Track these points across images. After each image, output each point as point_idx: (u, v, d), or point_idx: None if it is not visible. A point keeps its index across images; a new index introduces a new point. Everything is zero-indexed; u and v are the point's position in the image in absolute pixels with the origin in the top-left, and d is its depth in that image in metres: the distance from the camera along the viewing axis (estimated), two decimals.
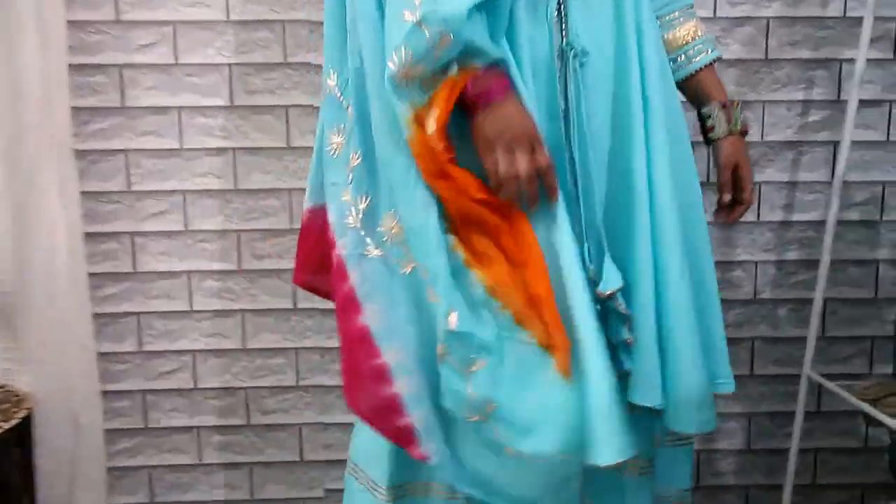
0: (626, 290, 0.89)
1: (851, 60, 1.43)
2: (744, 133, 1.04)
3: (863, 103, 1.39)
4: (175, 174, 1.41)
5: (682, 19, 1.03)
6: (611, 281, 0.88)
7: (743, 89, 1.45)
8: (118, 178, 1.40)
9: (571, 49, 0.88)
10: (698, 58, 1.02)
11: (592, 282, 0.88)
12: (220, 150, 1.40)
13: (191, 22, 1.37)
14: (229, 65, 1.39)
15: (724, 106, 1.02)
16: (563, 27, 0.89)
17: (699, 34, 1.03)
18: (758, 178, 1.47)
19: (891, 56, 1.45)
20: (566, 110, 0.89)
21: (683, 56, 1.02)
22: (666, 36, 1.01)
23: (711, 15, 1.43)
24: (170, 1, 1.36)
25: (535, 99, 0.86)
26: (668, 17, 1.02)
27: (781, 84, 1.46)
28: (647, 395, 0.90)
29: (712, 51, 1.03)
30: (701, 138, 1.07)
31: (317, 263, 0.98)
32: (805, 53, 1.45)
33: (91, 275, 1.38)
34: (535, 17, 0.88)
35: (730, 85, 1.44)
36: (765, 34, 1.44)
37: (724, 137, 1.02)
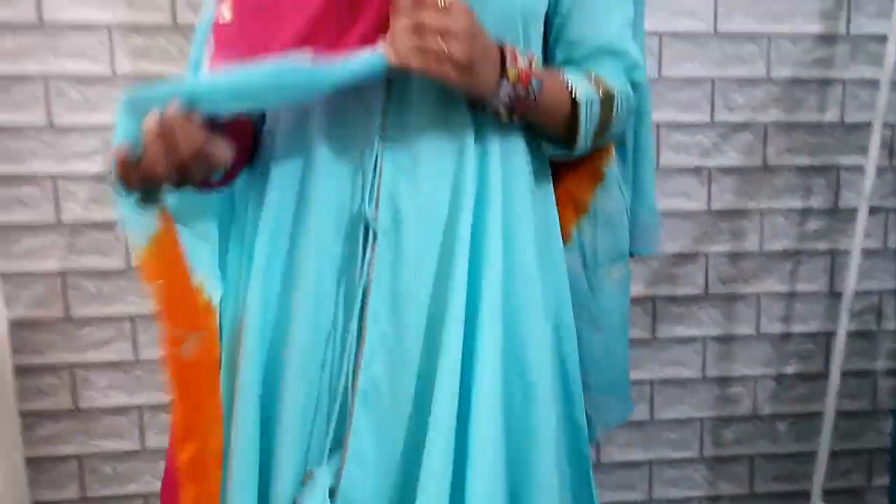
0: None
1: (850, 168, 1.38)
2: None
3: (872, 212, 1.33)
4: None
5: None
6: None
7: (741, 198, 1.38)
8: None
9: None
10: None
11: None
12: None
13: None
14: None
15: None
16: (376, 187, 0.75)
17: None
18: (756, 289, 1.40)
19: (887, 164, 1.40)
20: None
21: None
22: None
23: (708, 120, 1.35)
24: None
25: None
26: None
27: (779, 192, 1.38)
28: None
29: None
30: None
31: None
32: (803, 160, 1.38)
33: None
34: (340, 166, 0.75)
35: (728, 193, 1.38)
36: (763, 141, 1.37)
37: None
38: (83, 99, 1.19)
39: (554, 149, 0.83)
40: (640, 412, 1.41)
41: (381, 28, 0.70)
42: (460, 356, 0.74)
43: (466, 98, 0.74)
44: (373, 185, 0.75)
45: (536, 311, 0.80)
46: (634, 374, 1.34)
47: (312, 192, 0.76)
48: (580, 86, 0.79)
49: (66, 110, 1.19)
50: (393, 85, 0.74)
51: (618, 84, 0.82)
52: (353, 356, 0.75)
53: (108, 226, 1.22)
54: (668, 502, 1.45)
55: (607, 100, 0.80)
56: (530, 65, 0.74)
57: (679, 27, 1.31)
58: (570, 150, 0.82)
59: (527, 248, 0.80)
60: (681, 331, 1.40)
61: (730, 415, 1.44)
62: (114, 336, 1.25)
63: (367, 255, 0.75)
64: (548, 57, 0.84)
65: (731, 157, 1.37)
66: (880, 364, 1.46)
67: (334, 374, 0.76)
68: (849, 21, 1.35)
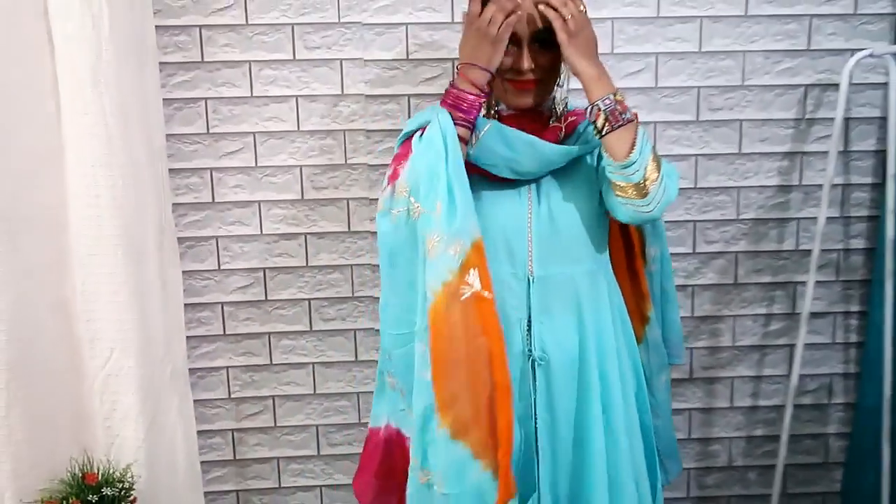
0: None
1: (803, 283, 1.81)
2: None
3: (813, 315, 1.78)
4: None
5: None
6: None
7: (718, 307, 1.83)
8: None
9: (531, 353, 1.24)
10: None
11: None
12: None
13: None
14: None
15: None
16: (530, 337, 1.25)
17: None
18: (730, 374, 1.86)
19: (833, 278, 1.83)
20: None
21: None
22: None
23: (691, 251, 1.80)
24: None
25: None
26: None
27: (748, 302, 1.83)
28: None
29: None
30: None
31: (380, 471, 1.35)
32: (766, 279, 1.83)
33: None
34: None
35: (706, 304, 1.83)
36: (734, 264, 1.82)
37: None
38: (231, 115, 1.68)
39: (616, 167, 1.18)
40: None
41: None
42: (603, 444, 1.24)
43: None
44: (530, 335, 1.25)
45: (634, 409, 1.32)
46: None
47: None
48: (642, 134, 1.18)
49: (220, 122, 1.69)
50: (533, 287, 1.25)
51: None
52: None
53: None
54: None
55: (656, 156, 1.19)
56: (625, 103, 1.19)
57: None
58: (626, 165, 1.16)
59: (626, 367, 1.31)
60: (673, 404, 1.87)
61: (710, 465, 1.90)
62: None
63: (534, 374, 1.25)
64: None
65: (710, 278, 1.82)
66: (831, 429, 1.90)
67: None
68: (801, 175, 1.78)
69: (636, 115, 1.19)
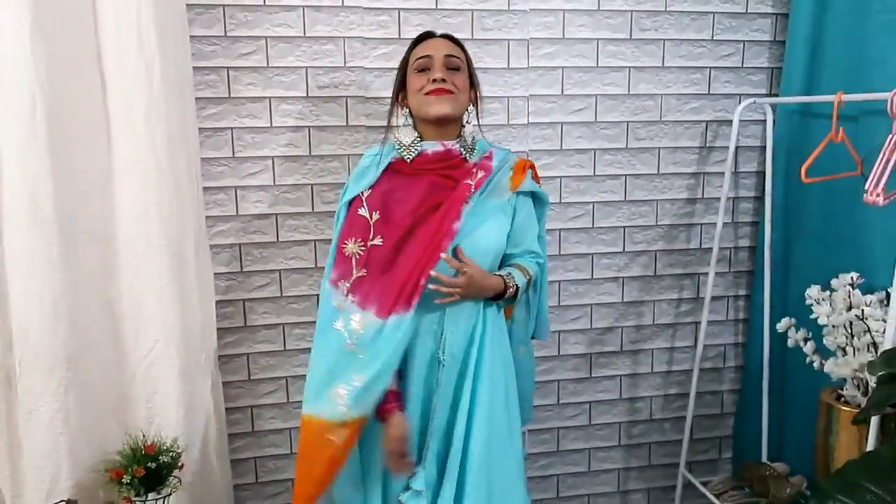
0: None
1: (705, 274, 2.32)
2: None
3: (713, 298, 2.29)
4: None
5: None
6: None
7: (641, 294, 2.32)
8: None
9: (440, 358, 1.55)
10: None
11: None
12: None
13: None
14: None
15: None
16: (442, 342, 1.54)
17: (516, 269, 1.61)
18: (650, 346, 2.35)
19: (727, 270, 2.35)
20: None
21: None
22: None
23: (622, 250, 2.28)
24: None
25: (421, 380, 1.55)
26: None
27: (664, 290, 2.33)
28: None
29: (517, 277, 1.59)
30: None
31: None
32: (678, 271, 2.33)
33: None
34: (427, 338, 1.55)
35: (633, 291, 2.31)
36: (654, 261, 2.31)
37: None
38: (253, 142, 2.01)
39: (505, 303, 1.64)
40: (582, 419, 2.36)
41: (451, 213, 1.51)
42: (468, 406, 1.56)
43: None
44: (442, 343, 1.58)
45: (500, 379, 1.65)
46: (578, 398, 2.30)
47: (417, 349, 1.57)
48: (520, 282, 1.59)
49: (244, 147, 2.00)
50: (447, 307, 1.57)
51: (533, 269, 1.64)
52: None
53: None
54: (600, 472, 2.42)
55: (528, 280, 1.61)
56: (515, 289, 1.60)
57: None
58: (513, 303, 1.64)
59: (495, 353, 1.64)
60: (606, 371, 2.35)
61: (635, 419, 2.40)
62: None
63: (438, 374, 1.58)
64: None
65: (636, 271, 2.30)
66: (725, 386, 2.44)
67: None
68: (703, 191, 2.29)
69: (517, 287, 1.58)
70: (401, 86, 1.62)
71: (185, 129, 1.89)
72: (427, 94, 1.52)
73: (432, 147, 1.58)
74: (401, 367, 1.55)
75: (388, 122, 1.65)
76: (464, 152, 1.59)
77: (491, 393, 1.56)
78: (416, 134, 1.59)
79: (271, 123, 2.00)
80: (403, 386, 1.58)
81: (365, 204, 1.57)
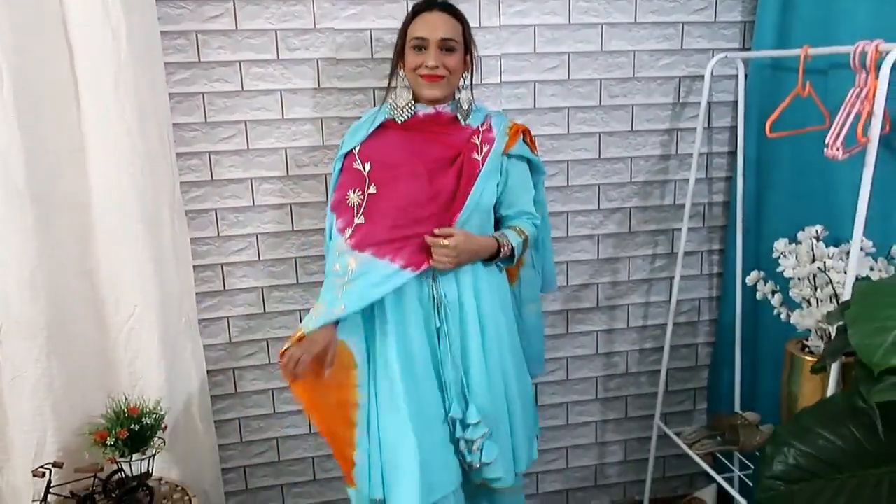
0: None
1: (679, 230, 2.35)
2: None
3: (686, 254, 2.32)
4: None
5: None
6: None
7: (617, 250, 2.35)
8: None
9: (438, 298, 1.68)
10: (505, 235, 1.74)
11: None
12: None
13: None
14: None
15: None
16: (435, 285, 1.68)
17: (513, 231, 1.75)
18: (626, 302, 2.39)
19: (700, 225, 2.38)
20: (439, 328, 1.69)
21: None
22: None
23: (596, 208, 2.30)
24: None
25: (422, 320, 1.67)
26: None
27: (639, 246, 2.36)
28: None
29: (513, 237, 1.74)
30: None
31: None
32: (652, 227, 2.36)
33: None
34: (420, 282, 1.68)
35: (609, 248, 2.34)
36: (628, 217, 2.33)
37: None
38: (225, 106, 2.05)
39: (505, 263, 1.79)
40: (560, 374, 2.41)
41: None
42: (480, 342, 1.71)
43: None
44: (436, 285, 1.68)
45: (502, 325, 1.77)
46: (555, 353, 2.35)
47: (407, 296, 1.67)
48: (514, 241, 1.73)
49: (215, 112, 2.01)
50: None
51: (528, 229, 1.77)
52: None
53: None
54: (578, 425, 2.48)
55: (524, 239, 1.75)
56: (511, 248, 1.69)
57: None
58: (511, 263, 1.78)
59: (495, 302, 1.75)
60: (583, 327, 2.39)
61: (612, 373, 2.45)
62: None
63: (442, 313, 1.68)
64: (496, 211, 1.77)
65: (611, 228, 2.33)
66: (700, 339, 2.49)
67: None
68: (677, 147, 2.30)
69: (511, 247, 1.71)
70: (400, 52, 1.71)
71: (156, 96, 1.89)
72: (421, 76, 1.66)
73: (423, 110, 1.71)
74: (394, 314, 1.67)
75: (389, 83, 1.75)
76: (458, 115, 1.72)
77: (497, 330, 1.73)
78: (411, 97, 1.71)
79: (242, 88, 1.99)
80: (401, 330, 1.67)
81: (358, 157, 1.71)
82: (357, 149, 1.72)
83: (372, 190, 1.68)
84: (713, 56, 2.17)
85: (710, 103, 2.23)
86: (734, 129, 2.30)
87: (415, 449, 1.62)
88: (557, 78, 2.17)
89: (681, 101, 2.26)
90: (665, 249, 2.38)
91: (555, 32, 2.13)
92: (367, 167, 1.70)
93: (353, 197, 1.69)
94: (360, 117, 1.84)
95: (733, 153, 2.32)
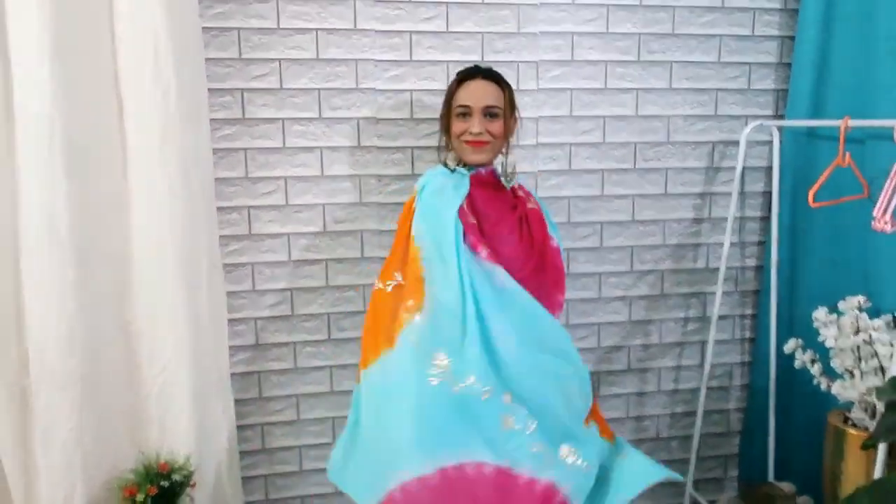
0: None
1: (711, 293, 2.34)
2: None
3: (719, 318, 2.31)
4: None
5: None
6: None
7: (649, 312, 2.34)
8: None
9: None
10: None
11: None
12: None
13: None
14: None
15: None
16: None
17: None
18: (658, 365, 2.37)
19: (733, 289, 2.37)
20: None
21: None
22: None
23: (629, 269, 2.30)
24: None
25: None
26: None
27: (671, 308, 2.35)
28: None
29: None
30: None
31: None
32: (685, 289, 2.35)
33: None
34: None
35: (641, 311, 2.33)
36: (661, 280, 2.33)
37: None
38: (266, 162, 2.09)
39: None
40: None
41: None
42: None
43: None
44: None
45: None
46: None
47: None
48: None
49: (257, 168, 2.08)
50: None
51: None
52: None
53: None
54: None
55: None
56: None
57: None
58: None
59: None
60: (614, 390, 2.37)
61: (642, 437, 2.41)
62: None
63: None
64: None
65: (643, 290, 2.32)
66: (731, 405, 2.45)
67: None
68: (710, 211, 2.31)
69: None
70: (445, 117, 1.76)
71: (199, 151, 1.91)
72: (466, 142, 1.70)
73: (481, 168, 1.76)
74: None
75: (443, 145, 1.80)
76: (502, 179, 1.79)
77: None
78: (456, 159, 1.76)
79: (284, 144, 2.02)
80: None
81: (469, 212, 1.69)
82: (464, 204, 1.68)
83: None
84: (746, 122, 2.19)
85: (744, 168, 2.25)
86: (766, 193, 2.31)
87: None
88: (593, 141, 2.19)
89: (714, 165, 2.28)
90: (697, 313, 2.36)
91: (591, 96, 2.17)
92: (473, 220, 1.68)
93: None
94: (410, 174, 1.96)
95: (766, 218, 2.32)
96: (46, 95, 1.68)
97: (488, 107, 1.69)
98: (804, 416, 2.18)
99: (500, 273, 1.61)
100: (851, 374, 1.74)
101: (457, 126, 1.71)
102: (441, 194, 1.68)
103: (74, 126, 1.74)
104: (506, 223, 1.72)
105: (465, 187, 1.70)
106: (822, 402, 1.97)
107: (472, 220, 1.68)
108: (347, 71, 2.02)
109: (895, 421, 1.37)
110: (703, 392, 2.27)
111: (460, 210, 1.66)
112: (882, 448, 1.51)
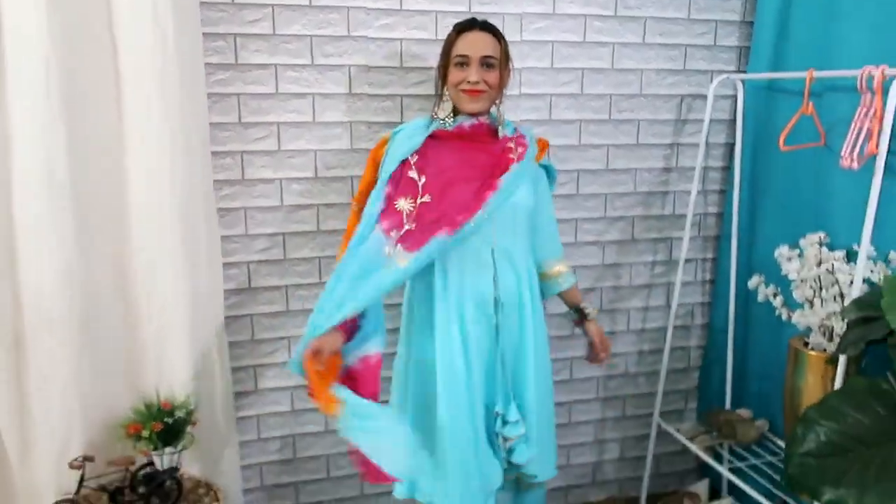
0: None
1: (677, 238, 2.50)
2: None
3: (687, 262, 2.47)
4: None
5: (553, 263, 1.97)
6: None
7: (619, 256, 2.48)
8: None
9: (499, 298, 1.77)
10: (565, 283, 1.97)
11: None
12: None
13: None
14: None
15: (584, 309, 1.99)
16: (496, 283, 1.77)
17: (563, 270, 1.96)
18: (627, 305, 2.52)
19: (696, 234, 2.54)
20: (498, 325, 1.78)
21: (557, 281, 1.97)
22: (546, 271, 1.96)
23: (602, 216, 2.43)
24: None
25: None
26: (547, 262, 1.96)
27: (640, 252, 2.50)
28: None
29: (571, 278, 1.98)
30: None
31: None
32: (653, 235, 2.50)
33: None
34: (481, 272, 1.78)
35: (612, 255, 2.47)
36: (631, 226, 2.47)
37: (592, 319, 2.00)
38: (259, 108, 2.12)
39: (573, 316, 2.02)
40: (565, 374, 2.52)
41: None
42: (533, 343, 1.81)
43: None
44: (496, 284, 1.77)
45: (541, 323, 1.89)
46: (561, 354, 2.46)
47: (468, 288, 1.76)
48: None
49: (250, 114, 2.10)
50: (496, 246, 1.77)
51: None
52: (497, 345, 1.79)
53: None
54: (579, 423, 2.59)
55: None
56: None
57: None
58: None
59: (537, 304, 1.87)
60: None
61: (612, 374, 2.58)
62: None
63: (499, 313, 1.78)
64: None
65: (614, 235, 2.46)
66: (693, 342, 2.64)
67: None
68: (677, 160, 2.46)
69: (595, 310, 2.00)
70: (443, 68, 1.80)
71: (196, 95, 1.93)
72: (463, 91, 1.75)
73: (468, 121, 1.81)
74: (459, 309, 1.76)
75: (437, 96, 1.83)
76: (497, 126, 1.83)
77: (537, 331, 1.85)
78: (451, 110, 1.81)
79: (277, 90, 2.05)
80: (462, 326, 1.76)
81: (414, 167, 1.76)
82: (413, 159, 1.76)
83: (426, 199, 1.73)
84: (712, 77, 2.34)
85: (710, 121, 2.39)
86: (728, 145, 2.47)
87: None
88: (572, 92, 2.30)
89: (682, 118, 2.42)
90: (664, 257, 2.52)
91: (571, 50, 2.27)
92: (423, 179, 1.75)
93: (404, 204, 1.74)
94: (399, 122, 1.92)
95: (727, 168, 2.48)
96: (43, 39, 1.67)
97: (485, 57, 1.75)
98: (761, 349, 2.37)
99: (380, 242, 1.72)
100: (811, 304, 1.92)
101: (454, 75, 1.77)
102: (399, 148, 1.79)
103: (69, 67, 1.73)
104: (466, 173, 1.76)
105: (419, 137, 1.77)
106: (776, 334, 2.16)
107: (415, 177, 1.75)
108: (339, 18, 2.06)
109: (858, 335, 1.54)
110: (670, 331, 2.44)
111: (404, 164, 1.76)
112: (842, 362, 1.69)
